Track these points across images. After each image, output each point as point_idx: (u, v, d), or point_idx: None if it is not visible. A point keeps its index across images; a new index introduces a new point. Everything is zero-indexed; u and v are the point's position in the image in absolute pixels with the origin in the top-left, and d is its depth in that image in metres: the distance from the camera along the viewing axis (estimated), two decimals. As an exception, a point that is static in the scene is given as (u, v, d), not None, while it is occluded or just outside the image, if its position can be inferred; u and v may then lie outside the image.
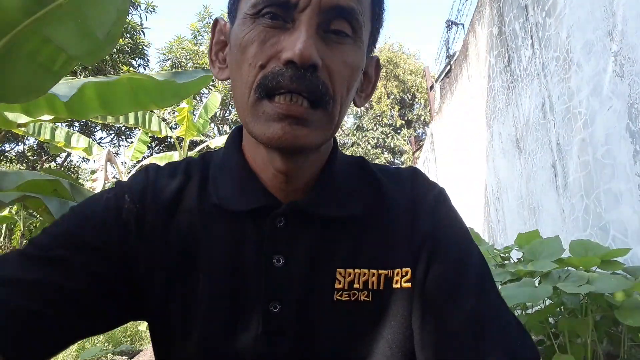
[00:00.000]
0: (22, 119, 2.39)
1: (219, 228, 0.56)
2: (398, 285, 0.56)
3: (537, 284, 1.56)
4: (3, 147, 10.88)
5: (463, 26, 5.82)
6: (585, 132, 2.20)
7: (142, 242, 0.55)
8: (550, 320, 1.76)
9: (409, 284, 0.56)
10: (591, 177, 2.16)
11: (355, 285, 0.55)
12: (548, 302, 1.65)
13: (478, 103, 4.19)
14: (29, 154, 11.75)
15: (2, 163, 11.61)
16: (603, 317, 1.62)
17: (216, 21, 0.60)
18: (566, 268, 1.58)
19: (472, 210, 4.65)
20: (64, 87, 1.48)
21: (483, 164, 4.18)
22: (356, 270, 0.56)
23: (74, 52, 1.21)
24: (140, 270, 0.54)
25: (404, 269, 0.57)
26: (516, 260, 1.96)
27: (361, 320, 0.55)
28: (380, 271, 0.56)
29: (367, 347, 0.55)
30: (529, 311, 1.75)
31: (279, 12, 0.49)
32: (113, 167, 7.53)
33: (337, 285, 0.55)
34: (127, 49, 10.61)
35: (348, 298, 0.55)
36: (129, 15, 10.20)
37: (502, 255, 1.99)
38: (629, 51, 1.79)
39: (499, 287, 1.64)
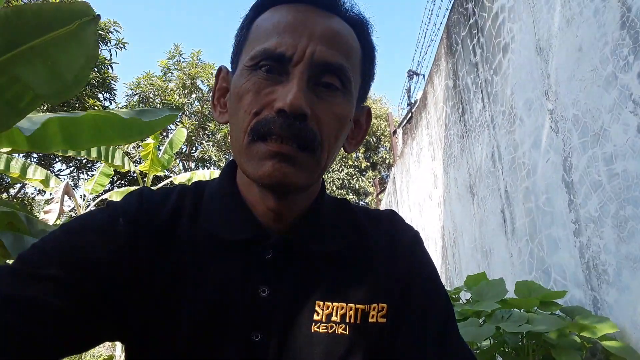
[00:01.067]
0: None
1: (208, 256, 0.58)
2: (374, 320, 0.60)
3: (482, 324, 1.65)
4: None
5: (424, 77, 6.17)
6: (528, 181, 2.37)
7: (133, 264, 0.55)
8: (499, 358, 1.84)
9: (384, 319, 0.60)
10: (534, 223, 2.31)
11: (333, 318, 0.58)
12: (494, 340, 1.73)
13: (436, 149, 4.41)
14: (-18, 184, 11.18)
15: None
16: (544, 356, 1.71)
17: (220, 69, 0.66)
18: (510, 309, 1.68)
19: (432, 253, 4.77)
20: (27, 122, 1.49)
21: (441, 207, 4.35)
22: (334, 304, 0.59)
23: (41, 91, 1.25)
24: (127, 292, 0.55)
25: (380, 304, 0.61)
26: (465, 301, 2.05)
27: (337, 351, 0.57)
28: (357, 305, 0.59)
29: None
30: (478, 349, 1.82)
31: (274, 65, 0.55)
32: (70, 199, 7.30)
33: (316, 317, 0.58)
34: (94, 82, 10.53)
35: (325, 330, 0.58)
36: (99, 50, 10.19)
37: (452, 296, 2.07)
38: (562, 109, 1.98)
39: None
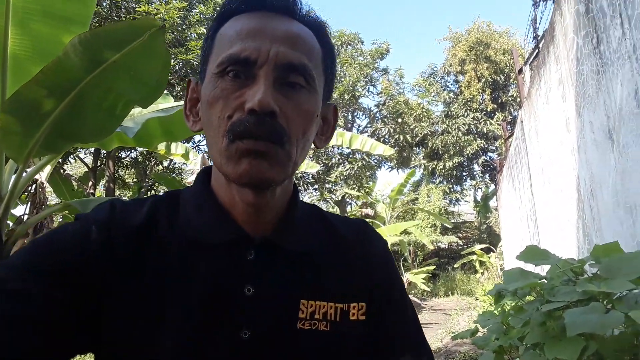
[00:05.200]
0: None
1: (191, 260, 0.60)
2: (355, 318, 0.66)
3: (608, 309, 1.41)
4: (120, 155, 12.26)
5: (553, 1, 5.29)
6: (682, 126, 1.91)
7: (108, 272, 0.56)
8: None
9: (364, 317, 0.67)
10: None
11: (316, 316, 0.63)
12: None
13: (567, 88, 3.81)
14: (140, 159, 13.12)
15: (120, 168, 13.13)
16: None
17: (189, 81, 0.69)
18: (649, 289, 1.40)
19: (566, 206, 4.26)
20: (131, 123, 1.68)
21: (575, 155, 3.80)
22: (317, 302, 0.63)
23: (132, 97, 1.38)
24: (103, 300, 0.55)
25: (360, 304, 0.67)
26: (591, 275, 1.78)
27: (320, 348, 0.63)
28: (337, 304, 0.65)
29: None
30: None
31: (240, 69, 0.58)
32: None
33: (301, 315, 0.62)
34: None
35: (309, 327, 0.62)
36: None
37: (575, 270, 1.82)
38: None
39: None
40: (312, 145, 0.67)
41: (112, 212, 0.61)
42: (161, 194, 0.69)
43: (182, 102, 2.03)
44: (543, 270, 1.96)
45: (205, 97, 0.60)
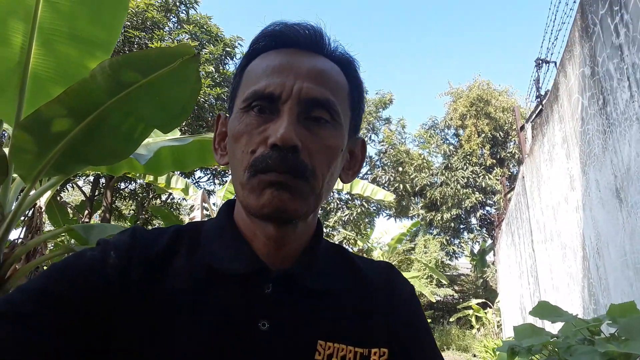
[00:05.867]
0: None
1: (208, 290, 0.59)
2: None
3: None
4: (119, 186, 12.23)
5: (555, 64, 5.47)
6: (696, 188, 1.90)
7: (124, 298, 0.55)
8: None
9: None
10: None
11: (334, 359, 0.59)
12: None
13: (571, 147, 3.86)
14: (139, 191, 13.06)
15: (118, 199, 13.05)
16: None
17: (219, 116, 0.70)
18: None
19: (570, 263, 4.20)
20: (143, 150, 1.67)
21: (580, 213, 3.79)
22: (335, 345, 0.60)
23: (152, 122, 1.37)
24: (117, 326, 0.54)
25: (382, 349, 0.63)
26: (608, 336, 1.71)
27: None
28: (357, 349, 0.61)
29: None
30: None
31: (265, 105, 0.58)
32: (205, 206, 8.11)
33: (317, 357, 0.59)
34: (223, 97, 11.58)
35: None
36: (226, 66, 11.18)
37: (591, 329, 1.75)
38: None
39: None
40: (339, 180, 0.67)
41: (133, 238, 0.61)
42: (184, 224, 0.68)
43: (192, 137, 2.04)
44: (553, 327, 1.89)
45: (231, 131, 0.61)
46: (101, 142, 1.43)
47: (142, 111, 1.36)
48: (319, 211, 0.70)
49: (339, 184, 7.51)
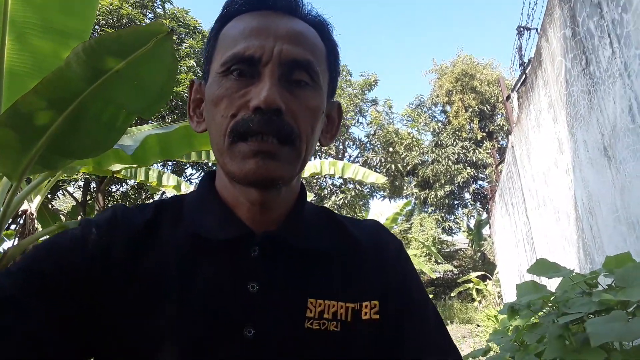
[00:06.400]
0: (116, 167, 2.67)
1: (194, 259, 0.59)
2: (367, 317, 0.63)
3: (630, 318, 1.37)
4: (110, 189, 12.13)
5: (536, 30, 5.47)
6: (681, 136, 1.92)
7: (108, 274, 0.55)
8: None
9: (377, 316, 0.63)
10: (695, 186, 1.87)
11: (325, 316, 0.60)
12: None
13: (557, 110, 3.88)
14: (130, 193, 12.97)
15: (110, 202, 12.96)
16: None
17: (192, 82, 0.68)
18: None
19: (564, 226, 4.25)
20: (129, 141, 1.64)
21: (570, 175, 3.83)
22: (326, 302, 0.60)
23: (133, 108, 1.35)
24: (103, 303, 0.54)
25: (372, 302, 0.63)
26: (605, 287, 1.74)
27: (330, 348, 0.59)
28: (347, 304, 0.62)
29: None
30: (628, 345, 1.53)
31: (245, 68, 0.57)
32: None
33: (309, 314, 0.59)
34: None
35: (318, 327, 0.59)
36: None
37: (589, 282, 1.78)
38: None
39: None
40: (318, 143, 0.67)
41: (114, 215, 0.61)
42: (166, 198, 0.68)
43: (177, 124, 2.01)
44: (552, 286, 1.92)
45: (210, 96, 0.60)
46: (84, 133, 1.40)
47: (121, 98, 1.33)
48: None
49: (323, 168, 7.48)
